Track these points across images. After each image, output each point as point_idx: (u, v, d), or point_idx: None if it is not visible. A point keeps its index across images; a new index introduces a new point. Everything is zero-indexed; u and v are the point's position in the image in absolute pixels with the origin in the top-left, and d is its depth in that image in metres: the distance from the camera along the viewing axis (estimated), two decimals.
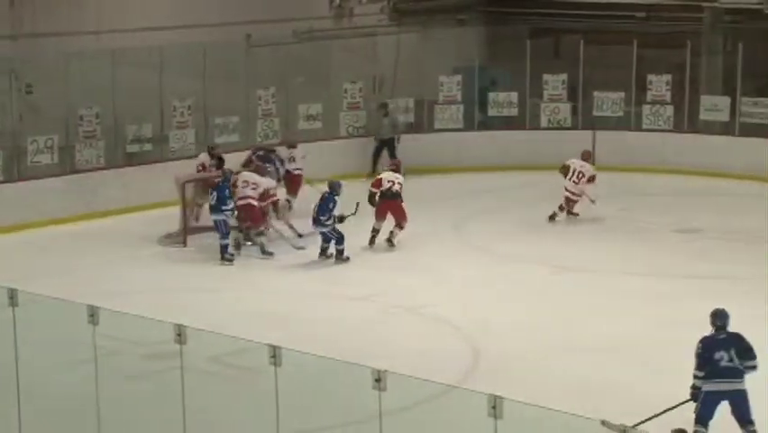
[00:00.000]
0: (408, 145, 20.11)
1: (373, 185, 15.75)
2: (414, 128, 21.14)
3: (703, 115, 20.36)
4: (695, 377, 9.03)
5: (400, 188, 15.56)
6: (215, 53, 18.52)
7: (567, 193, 16.71)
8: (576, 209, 16.83)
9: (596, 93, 20.90)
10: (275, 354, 8.33)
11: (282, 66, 19.82)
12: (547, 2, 21.96)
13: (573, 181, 16.63)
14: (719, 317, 9.13)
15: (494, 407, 7.52)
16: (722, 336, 9.06)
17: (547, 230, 16.51)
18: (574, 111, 21.05)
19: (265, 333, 12.06)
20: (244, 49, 19.23)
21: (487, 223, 16.95)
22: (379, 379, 7.95)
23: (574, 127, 20.99)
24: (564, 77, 21.07)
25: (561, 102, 21.09)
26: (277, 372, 8.31)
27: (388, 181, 15.61)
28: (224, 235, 15.09)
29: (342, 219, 14.95)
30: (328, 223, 14.84)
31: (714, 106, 20.23)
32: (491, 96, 21.14)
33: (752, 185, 18.80)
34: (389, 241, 15.45)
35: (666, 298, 13.39)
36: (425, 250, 15.49)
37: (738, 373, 8.97)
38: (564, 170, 16.71)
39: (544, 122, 21.13)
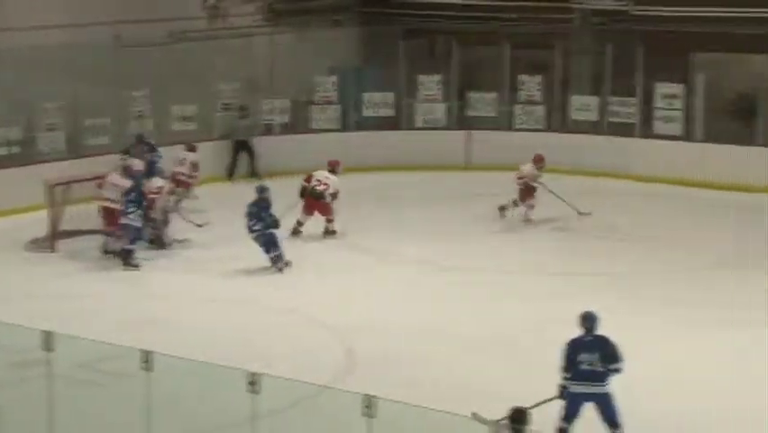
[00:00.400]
0: (285, 146, 20.05)
1: (305, 180, 16.10)
2: (290, 129, 21.08)
3: (574, 115, 20.79)
4: (562, 377, 9.13)
5: (325, 189, 15.86)
6: (86, 54, 18.15)
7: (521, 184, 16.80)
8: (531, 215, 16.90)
9: (470, 93, 21.16)
10: (147, 359, 8.22)
11: (155, 67, 19.53)
12: (422, 3, 22.13)
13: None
14: (587, 320, 9.19)
15: (368, 406, 7.55)
16: (588, 339, 9.12)
17: (426, 230, 16.60)
18: (449, 111, 21.27)
19: (139, 338, 11.98)
20: (114, 49, 18.90)
21: (366, 223, 16.98)
22: (253, 382, 7.91)
23: (449, 127, 21.21)
24: (439, 77, 21.28)
25: (435, 102, 21.28)
26: (149, 377, 8.20)
27: (317, 180, 15.96)
28: (132, 240, 14.78)
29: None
30: (256, 228, 14.50)
31: (584, 106, 20.68)
32: (367, 96, 21.23)
33: (617, 183, 19.28)
34: (326, 233, 15.94)
35: (543, 296, 13.57)
36: (306, 251, 15.43)
37: (600, 377, 9.03)
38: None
39: (419, 122, 21.30)
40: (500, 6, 21.63)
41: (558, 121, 20.96)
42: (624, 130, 20.18)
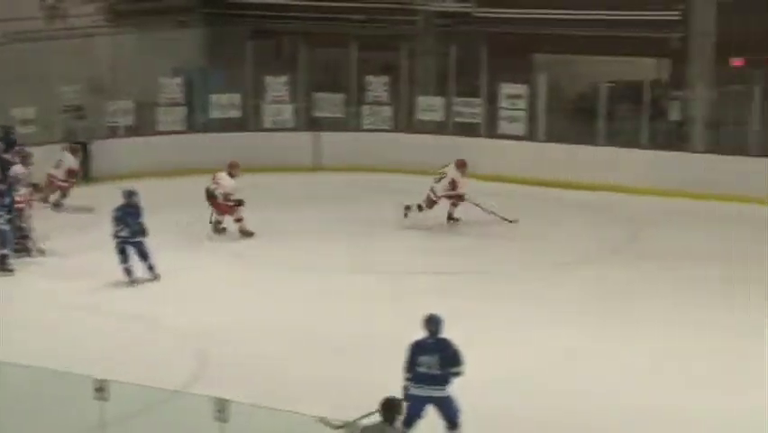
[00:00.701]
0: (128, 148, 19.69)
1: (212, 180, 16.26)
2: (135, 131, 20.70)
3: (420, 115, 21.03)
4: (404, 378, 9.12)
5: (215, 189, 16.00)
6: None
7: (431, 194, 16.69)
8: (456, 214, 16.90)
9: (317, 94, 21.18)
10: None
11: None
12: (268, 4, 22.04)
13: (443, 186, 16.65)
14: (431, 323, 9.18)
15: (220, 410, 7.48)
16: (430, 342, 9.12)
17: (278, 231, 16.49)
18: (297, 112, 21.24)
19: None
20: None
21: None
22: (100, 388, 7.73)
23: (297, 129, 21.18)
24: (286, 78, 21.22)
25: (283, 104, 21.22)
26: None
27: (213, 179, 16.12)
28: (2, 244, 14.29)
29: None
30: (121, 235, 13.93)
31: (429, 106, 20.94)
32: (213, 98, 21.02)
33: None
34: (241, 233, 16.03)
35: (386, 294, 13.65)
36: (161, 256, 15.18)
37: (438, 380, 9.04)
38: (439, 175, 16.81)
39: (267, 123, 21.20)
40: (347, 8, 21.72)
41: (405, 121, 21.16)
42: (469, 130, 20.52)
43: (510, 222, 16.61)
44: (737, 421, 10.00)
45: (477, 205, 16.60)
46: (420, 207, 16.76)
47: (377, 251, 15.71)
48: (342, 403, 9.24)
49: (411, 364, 9.08)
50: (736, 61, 19.50)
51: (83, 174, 19.18)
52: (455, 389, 9.17)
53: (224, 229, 16.24)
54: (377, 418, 8.08)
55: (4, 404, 8.07)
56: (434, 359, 9.03)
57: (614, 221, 17.08)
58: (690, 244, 15.80)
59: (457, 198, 16.77)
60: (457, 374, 9.08)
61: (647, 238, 16.31)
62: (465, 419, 9.18)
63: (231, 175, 16.25)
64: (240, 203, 16.07)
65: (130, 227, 13.95)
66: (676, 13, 19.43)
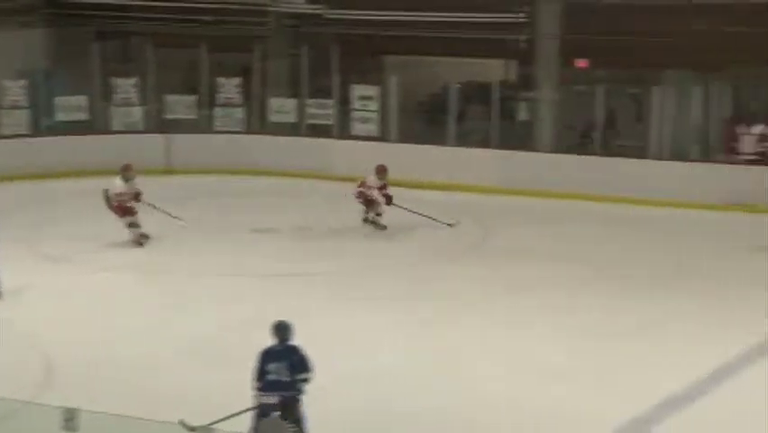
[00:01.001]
0: None
1: None
2: None
3: (272, 117, 20.94)
4: (254, 387, 8.96)
5: (106, 191, 15.58)
6: None
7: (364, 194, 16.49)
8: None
9: (168, 96, 20.88)
10: None
11: None
12: (112, 5, 21.60)
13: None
14: (279, 330, 9.09)
15: (69, 419, 7.28)
16: (278, 349, 9.02)
17: (114, 236, 16.13)
18: (147, 114, 20.90)
19: None
20: None
21: (62, 231, 16.35)
22: None
23: (147, 131, 20.84)
24: (135, 80, 20.86)
25: (132, 105, 20.85)
26: None
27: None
28: None
29: None
30: None
31: (282, 108, 20.88)
32: (59, 100, 20.53)
33: (321, 183, 19.60)
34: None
35: (244, 297, 13.56)
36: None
37: (286, 387, 8.90)
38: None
39: (116, 125, 20.80)
40: (196, 8, 21.48)
41: (257, 123, 21.04)
42: (322, 131, 20.54)
43: (449, 225, 16.59)
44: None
45: (408, 210, 16.52)
46: (367, 213, 16.61)
47: (218, 253, 15.51)
48: (200, 409, 9.12)
49: (261, 373, 8.94)
50: (581, 63, 20.03)
51: None
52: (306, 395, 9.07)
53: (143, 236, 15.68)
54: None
55: None
56: (282, 365, 8.91)
57: (464, 220, 17.30)
58: (535, 243, 16.13)
59: (367, 203, 16.58)
60: (305, 381, 8.97)
61: (496, 236, 16.59)
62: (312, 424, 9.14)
63: (124, 178, 15.73)
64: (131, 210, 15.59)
65: None
66: (522, 15, 19.83)
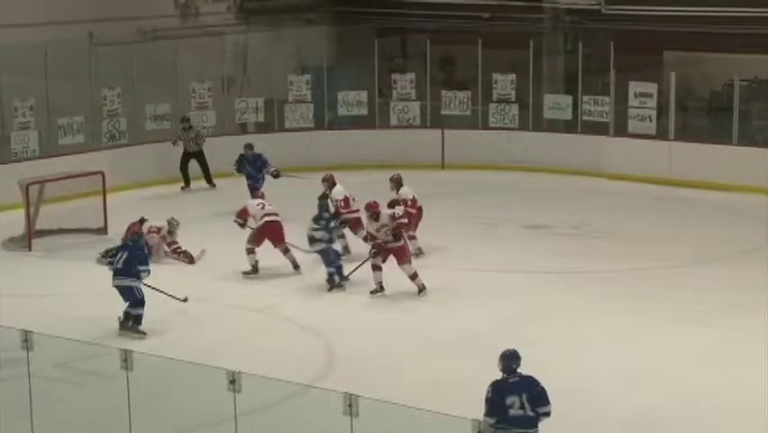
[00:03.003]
0: (258, 145, 20.00)
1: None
2: (263, 128, 21.04)
3: (547, 114, 20.86)
4: (486, 423, 8.07)
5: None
6: (58, 52, 18.07)
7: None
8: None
9: (443, 92, 21.20)
10: (126, 358, 8.19)
11: (128, 65, 19.49)
12: (395, 2, 22.16)
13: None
14: (512, 359, 8.37)
15: (350, 405, 7.56)
16: (514, 380, 8.33)
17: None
18: (423, 110, 21.29)
19: (115, 336, 11.97)
20: (87, 48, 18.82)
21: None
22: (233, 380, 7.90)
23: (423, 126, 21.24)
24: (412, 76, 21.29)
25: (409, 101, 21.30)
26: (128, 376, 8.17)
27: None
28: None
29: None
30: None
31: (557, 105, 20.76)
32: (341, 95, 21.20)
33: (593, 181, 19.38)
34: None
35: (516, 293, 13.60)
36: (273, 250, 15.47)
37: (530, 422, 8.23)
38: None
39: (393, 121, 21.32)
40: (474, 5, 21.70)
41: (532, 119, 20.99)
42: (597, 128, 20.27)
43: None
44: None
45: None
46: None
47: (488, 249, 15.51)
48: (460, 402, 9.25)
49: (496, 406, 8.18)
50: None
51: (206, 179, 19.41)
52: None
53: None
54: None
55: (141, 394, 8.31)
56: (521, 399, 8.22)
57: (746, 222, 16.66)
58: None
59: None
60: (547, 414, 8.32)
61: None
62: None
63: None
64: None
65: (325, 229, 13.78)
66: None
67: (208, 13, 22.05)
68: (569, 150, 20.15)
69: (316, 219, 13.80)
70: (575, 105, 20.53)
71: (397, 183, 14.99)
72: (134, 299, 12.13)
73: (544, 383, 8.37)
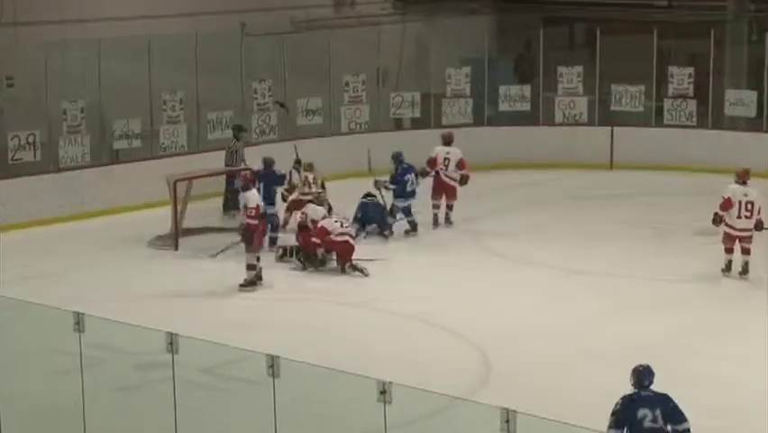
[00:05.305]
0: (414, 141, 20.09)
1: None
2: (419, 123, 21.13)
3: (728, 110, 20.33)
4: None
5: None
6: (208, 43, 18.49)
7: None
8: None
9: (614, 86, 20.87)
10: (273, 364, 8.31)
11: (279, 57, 19.77)
12: None
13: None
14: (644, 375, 8.51)
15: (507, 421, 7.51)
16: (646, 394, 8.45)
17: (555, 231, 16.45)
18: (591, 105, 21.02)
19: (260, 342, 12.17)
20: (239, 38, 19.19)
21: (500, 224, 16.92)
22: (384, 391, 7.95)
23: (591, 123, 20.97)
24: (580, 69, 21.05)
25: (576, 96, 21.05)
26: (275, 383, 8.30)
27: None
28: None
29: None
30: None
31: (739, 101, 20.21)
32: (503, 89, 21.09)
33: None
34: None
35: (686, 302, 13.39)
36: (427, 255, 15.50)
37: None
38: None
39: (558, 117, 21.11)
40: None
41: (711, 117, 20.48)
42: None
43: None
44: None
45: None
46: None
47: (659, 255, 15.27)
48: None
49: (626, 419, 8.34)
50: None
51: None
52: None
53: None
54: None
55: (289, 400, 8.44)
56: (655, 413, 8.32)
57: None
58: None
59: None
60: (687, 431, 8.36)
61: None
62: None
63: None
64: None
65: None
66: None
67: (364, 2, 22.26)
68: (752, 150, 19.57)
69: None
70: (760, 102, 19.95)
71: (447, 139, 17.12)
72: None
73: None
